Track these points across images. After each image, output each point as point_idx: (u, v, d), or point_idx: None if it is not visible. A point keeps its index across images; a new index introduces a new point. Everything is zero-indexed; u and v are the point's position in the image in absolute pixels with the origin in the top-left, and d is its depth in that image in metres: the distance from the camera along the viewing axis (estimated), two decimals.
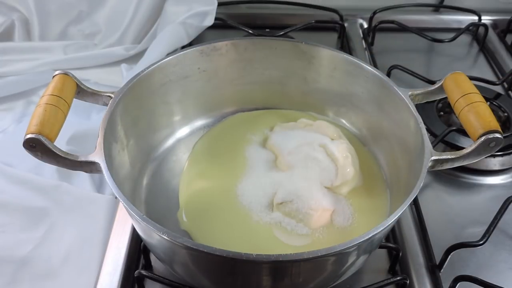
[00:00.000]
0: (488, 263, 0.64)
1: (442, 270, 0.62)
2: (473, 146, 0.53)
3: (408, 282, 0.59)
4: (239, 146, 0.71)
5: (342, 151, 0.66)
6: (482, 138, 0.52)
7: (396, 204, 0.59)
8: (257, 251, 0.46)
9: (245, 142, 0.72)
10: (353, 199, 0.65)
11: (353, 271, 0.56)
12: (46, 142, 0.50)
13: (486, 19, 1.06)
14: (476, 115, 0.54)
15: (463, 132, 0.73)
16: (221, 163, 0.69)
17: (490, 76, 0.96)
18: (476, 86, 0.58)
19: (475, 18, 1.05)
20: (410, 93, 0.62)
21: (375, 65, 0.94)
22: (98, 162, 0.52)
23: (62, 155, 0.51)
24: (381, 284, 0.58)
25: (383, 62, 0.94)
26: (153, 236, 0.51)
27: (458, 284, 0.59)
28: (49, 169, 0.72)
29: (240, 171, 0.68)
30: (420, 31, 0.99)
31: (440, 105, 0.82)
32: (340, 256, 0.50)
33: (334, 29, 1.06)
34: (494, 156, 0.75)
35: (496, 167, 0.75)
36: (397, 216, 0.50)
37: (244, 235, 0.60)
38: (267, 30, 1.01)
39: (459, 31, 1.01)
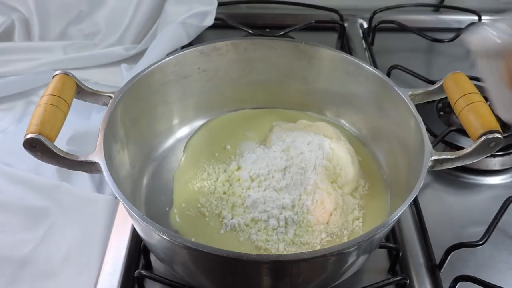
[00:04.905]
0: (488, 263, 0.64)
1: (442, 270, 0.62)
2: (473, 146, 0.53)
3: (408, 282, 0.59)
4: (235, 144, 0.72)
5: (342, 151, 0.66)
6: (482, 138, 0.53)
7: (396, 204, 0.59)
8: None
9: (242, 139, 0.72)
10: (353, 199, 0.65)
11: (353, 271, 0.56)
12: (46, 142, 0.50)
13: (486, 19, 1.06)
14: (476, 115, 0.54)
15: (463, 132, 0.73)
16: (216, 161, 0.69)
17: None
18: (476, 86, 0.58)
19: (475, 18, 1.05)
20: (410, 93, 0.62)
21: (375, 65, 0.94)
22: (98, 162, 0.52)
23: (62, 155, 0.52)
24: (381, 284, 0.58)
25: (383, 62, 0.94)
26: (153, 236, 0.51)
27: (458, 284, 0.59)
28: (49, 169, 0.72)
29: (236, 169, 0.67)
30: (420, 31, 0.99)
31: (440, 105, 0.82)
32: (340, 256, 0.50)
33: (334, 29, 1.06)
34: (494, 156, 0.75)
35: (496, 167, 0.75)
36: (397, 216, 0.50)
37: (239, 240, 0.60)
38: (267, 30, 1.01)
39: (459, 31, 1.01)
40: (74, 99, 0.58)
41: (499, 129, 0.53)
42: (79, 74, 0.60)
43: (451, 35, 1.00)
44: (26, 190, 0.70)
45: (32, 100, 0.87)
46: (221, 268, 0.52)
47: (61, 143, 0.55)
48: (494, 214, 0.65)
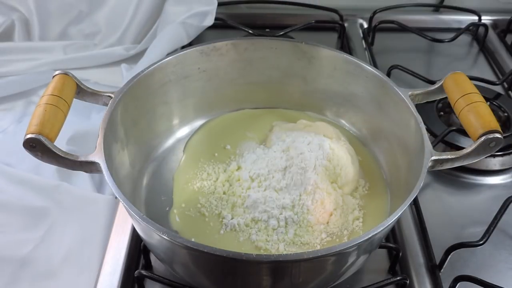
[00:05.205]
0: (488, 263, 0.64)
1: (442, 270, 0.62)
2: (473, 146, 0.53)
3: (408, 282, 0.59)
4: (235, 144, 0.72)
5: (342, 151, 0.66)
6: (482, 138, 0.53)
7: (396, 204, 0.59)
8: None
9: (242, 139, 0.72)
10: (353, 199, 0.65)
11: (353, 271, 0.56)
12: (46, 142, 0.50)
13: (486, 19, 1.06)
14: (476, 115, 0.54)
15: (463, 132, 0.73)
16: (216, 161, 0.69)
17: (490, 76, 0.96)
18: (476, 86, 0.58)
19: (475, 18, 1.05)
20: (410, 93, 0.62)
21: (375, 65, 0.94)
22: (98, 162, 0.52)
23: (62, 155, 0.52)
24: (381, 284, 0.58)
25: (383, 62, 0.94)
26: (153, 236, 0.51)
27: (458, 284, 0.59)
28: (49, 169, 0.72)
29: (236, 169, 0.68)
30: (420, 31, 0.99)
31: (440, 105, 0.82)
32: (340, 256, 0.50)
33: (334, 29, 1.06)
34: (494, 156, 0.75)
35: (496, 167, 0.75)
36: (397, 216, 0.50)
37: (238, 240, 0.60)
38: (267, 30, 1.01)
39: (459, 31, 1.01)
40: (74, 99, 0.57)
41: (499, 129, 0.53)
42: (79, 74, 0.60)
43: (451, 35, 1.00)
44: (26, 190, 0.70)
45: (32, 100, 0.87)
46: (221, 268, 0.52)
47: (61, 143, 0.55)
48: (494, 214, 0.65)
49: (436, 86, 0.61)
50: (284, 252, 0.58)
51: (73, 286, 0.61)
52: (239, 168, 0.68)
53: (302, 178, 0.63)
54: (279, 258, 0.46)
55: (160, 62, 0.67)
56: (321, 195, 0.62)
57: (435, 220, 0.68)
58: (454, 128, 0.75)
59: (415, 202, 0.69)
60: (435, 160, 0.54)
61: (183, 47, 0.87)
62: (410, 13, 1.07)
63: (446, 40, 0.99)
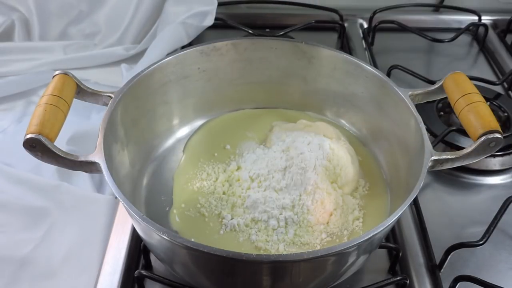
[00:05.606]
0: (488, 263, 0.64)
1: (442, 270, 0.62)
2: (473, 146, 0.53)
3: (408, 282, 0.59)
4: (235, 144, 0.72)
5: (342, 151, 0.66)
6: (482, 138, 0.53)
7: (396, 204, 0.59)
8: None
9: (242, 140, 0.72)
10: (353, 199, 0.65)
11: (353, 271, 0.56)
12: (46, 142, 0.50)
13: (486, 19, 1.06)
14: (476, 115, 0.54)
15: (463, 132, 0.73)
16: (216, 161, 0.69)
17: (490, 76, 0.96)
18: (476, 86, 0.58)
19: (475, 18, 1.05)
20: (410, 93, 0.62)
21: (375, 65, 0.94)
22: (98, 162, 0.52)
23: (62, 155, 0.52)
24: (381, 284, 0.58)
25: (383, 62, 0.94)
26: (153, 236, 0.51)
27: (458, 284, 0.59)
28: (49, 169, 0.72)
29: (236, 169, 0.68)
30: (420, 31, 0.99)
31: (440, 105, 0.82)
32: (340, 256, 0.50)
33: (334, 29, 1.06)
34: (494, 156, 0.75)
35: (496, 167, 0.75)
36: (397, 216, 0.50)
37: (238, 240, 0.60)
38: (267, 30, 1.01)
39: (459, 31, 1.01)
40: (74, 99, 0.58)
41: (499, 129, 0.53)
42: (79, 74, 0.60)
43: (451, 35, 1.00)
44: (26, 190, 0.70)
45: (32, 100, 0.87)
46: (221, 268, 0.52)
47: (61, 143, 0.55)
48: (494, 214, 0.65)
49: (436, 86, 0.61)
50: (284, 252, 0.58)
51: (73, 286, 0.61)
52: (239, 168, 0.68)
53: (302, 178, 0.63)
54: (279, 258, 0.46)
55: (160, 62, 0.67)
56: (321, 195, 0.62)
57: (435, 220, 0.68)
58: (454, 128, 0.75)
59: (415, 202, 0.69)
60: (435, 160, 0.54)
61: (183, 47, 0.87)
62: (410, 13, 1.07)
63: (446, 40, 0.99)
